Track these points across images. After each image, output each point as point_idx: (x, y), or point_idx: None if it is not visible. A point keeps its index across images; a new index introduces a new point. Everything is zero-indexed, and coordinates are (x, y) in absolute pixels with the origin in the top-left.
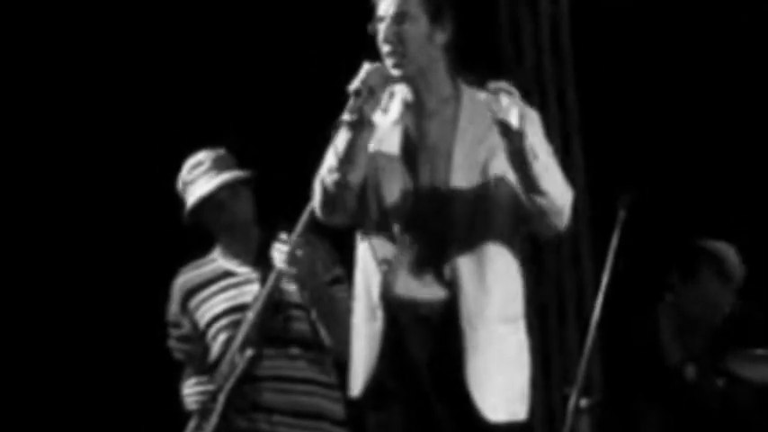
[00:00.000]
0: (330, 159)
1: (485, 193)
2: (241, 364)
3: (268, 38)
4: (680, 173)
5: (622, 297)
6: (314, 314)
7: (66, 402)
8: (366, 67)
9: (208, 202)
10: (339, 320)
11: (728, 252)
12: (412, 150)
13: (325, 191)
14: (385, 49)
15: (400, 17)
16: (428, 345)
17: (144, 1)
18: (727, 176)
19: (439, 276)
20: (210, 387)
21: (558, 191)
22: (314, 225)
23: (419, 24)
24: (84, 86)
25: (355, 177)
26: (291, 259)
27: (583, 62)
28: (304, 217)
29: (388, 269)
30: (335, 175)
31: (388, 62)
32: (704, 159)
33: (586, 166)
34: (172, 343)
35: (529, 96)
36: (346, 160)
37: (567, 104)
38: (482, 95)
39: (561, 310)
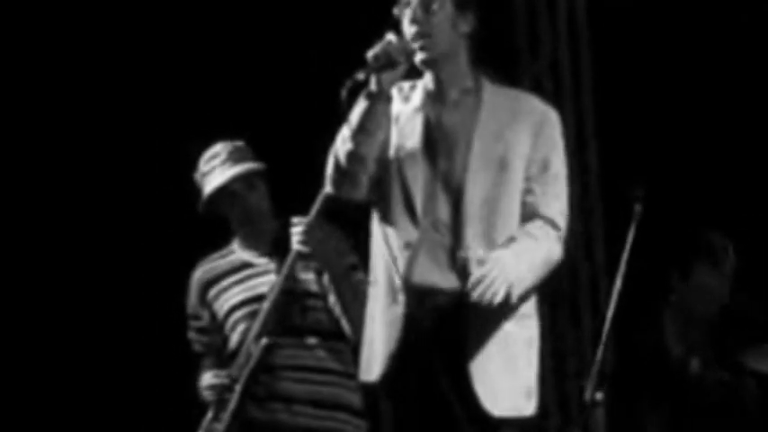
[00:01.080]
0: (344, 130)
1: (499, 186)
2: (256, 353)
3: (283, 30)
4: (695, 168)
5: (635, 291)
6: (332, 299)
7: (85, 393)
8: (389, 37)
9: (222, 192)
10: (358, 305)
11: (716, 238)
12: (432, 139)
13: (337, 162)
14: (412, 30)
15: (428, 2)
16: (440, 335)
17: None
18: (741, 172)
19: (452, 264)
20: (226, 380)
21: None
22: (328, 214)
23: (445, 10)
24: (105, 79)
25: (369, 150)
26: (306, 239)
27: (599, 55)
28: (319, 199)
29: (410, 253)
30: (349, 146)
31: (414, 44)
32: (720, 155)
33: (601, 159)
34: (191, 335)
35: (544, 90)
36: (361, 130)
37: (582, 98)
38: (504, 91)
39: (574, 302)
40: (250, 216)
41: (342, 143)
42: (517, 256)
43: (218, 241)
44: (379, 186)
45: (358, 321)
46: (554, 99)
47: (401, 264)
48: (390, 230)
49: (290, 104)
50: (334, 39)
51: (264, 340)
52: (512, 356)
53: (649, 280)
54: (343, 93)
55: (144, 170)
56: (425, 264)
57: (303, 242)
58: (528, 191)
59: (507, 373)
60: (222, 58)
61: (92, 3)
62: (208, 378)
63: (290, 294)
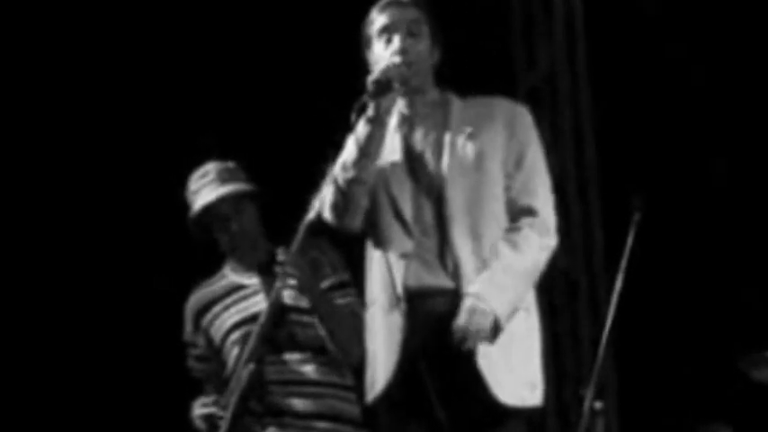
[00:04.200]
0: (344, 158)
1: (479, 184)
2: (243, 379)
3: (279, 54)
4: (693, 175)
5: (636, 299)
6: (317, 318)
7: (82, 412)
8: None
9: (208, 213)
10: (341, 324)
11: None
12: (411, 155)
13: (338, 189)
14: (399, 57)
15: (412, 34)
16: (440, 340)
17: (165, 15)
18: (740, 179)
19: (443, 265)
20: (214, 408)
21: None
22: (322, 231)
23: (425, 42)
24: (102, 98)
25: (369, 175)
26: (293, 273)
27: (596, 64)
28: (300, 232)
29: (407, 262)
30: (351, 172)
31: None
32: (717, 162)
33: (600, 167)
34: (190, 362)
35: (541, 100)
36: (363, 156)
37: (580, 107)
38: (473, 100)
39: (574, 311)
40: (236, 240)
41: (343, 171)
42: (497, 282)
43: (218, 254)
44: (369, 213)
45: (341, 339)
46: (551, 109)
47: (399, 273)
48: (387, 247)
49: (287, 126)
50: (330, 62)
51: (251, 366)
52: (512, 350)
53: (655, 284)
54: (353, 116)
55: (149, 194)
56: (417, 267)
57: (290, 275)
58: (508, 188)
59: (509, 366)
60: (219, 80)
61: (87, 17)
62: (197, 407)
63: (280, 312)
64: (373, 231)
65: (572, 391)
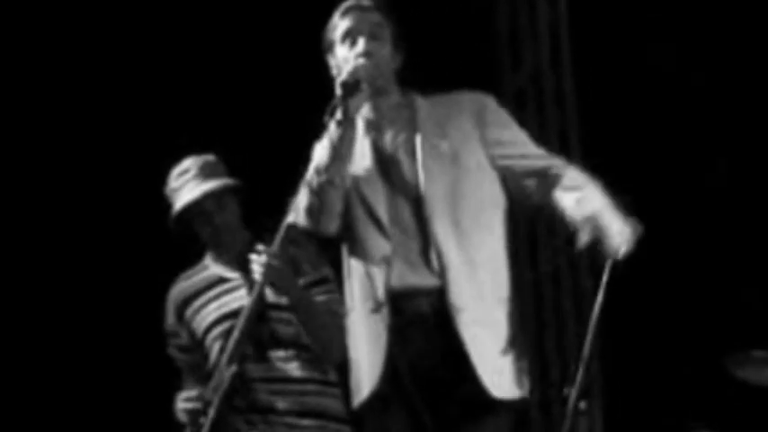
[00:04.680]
0: (317, 161)
1: (457, 178)
2: (225, 380)
3: (259, 47)
4: (679, 178)
5: (621, 297)
6: (296, 316)
7: (65, 413)
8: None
9: (191, 210)
10: (321, 323)
11: None
12: (382, 157)
13: (312, 193)
14: (364, 60)
15: (375, 37)
16: (419, 342)
17: (139, 9)
18: (726, 182)
19: (427, 264)
20: (198, 404)
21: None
22: (299, 232)
23: (387, 46)
24: (78, 100)
25: (342, 179)
26: (267, 271)
27: (582, 67)
28: (281, 230)
29: (387, 265)
30: (325, 176)
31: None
32: (704, 164)
33: (585, 169)
34: (172, 351)
35: (527, 100)
36: (335, 158)
37: (566, 108)
38: (437, 97)
39: (558, 309)
40: (219, 235)
41: (317, 175)
42: (605, 203)
43: (197, 249)
44: (344, 220)
45: (321, 336)
46: (537, 110)
47: (381, 276)
48: (365, 252)
49: (261, 117)
50: (306, 56)
51: (233, 368)
52: (500, 343)
53: (641, 281)
54: (326, 118)
55: (125, 184)
56: (401, 268)
57: (263, 274)
58: (511, 168)
59: (497, 359)
60: (195, 74)
61: (65, 17)
62: (181, 401)
63: (259, 315)
64: (349, 237)
65: (557, 386)
